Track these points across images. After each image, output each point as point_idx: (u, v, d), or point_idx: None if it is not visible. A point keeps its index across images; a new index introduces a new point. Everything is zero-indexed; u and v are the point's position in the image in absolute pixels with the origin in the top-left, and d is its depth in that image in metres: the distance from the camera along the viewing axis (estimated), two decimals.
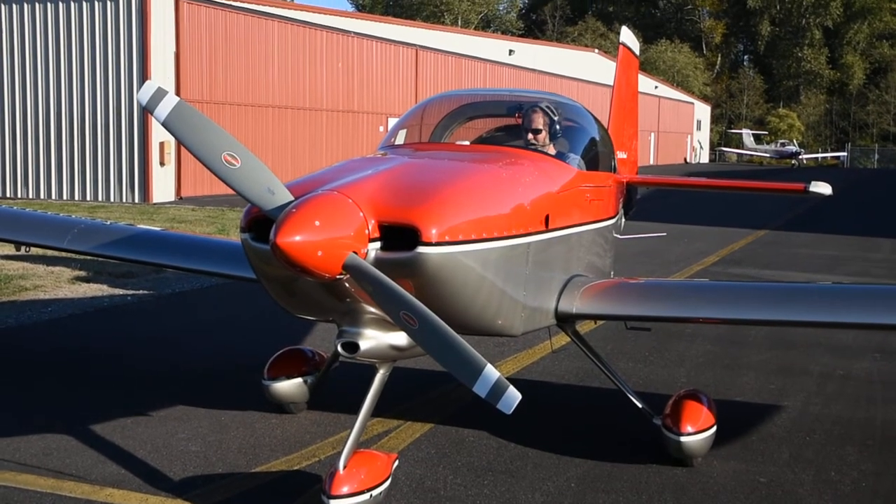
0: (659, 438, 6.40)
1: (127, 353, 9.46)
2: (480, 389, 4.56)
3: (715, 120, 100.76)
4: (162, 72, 28.23)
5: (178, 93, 28.59)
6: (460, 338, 4.64)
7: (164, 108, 4.99)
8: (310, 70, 34.49)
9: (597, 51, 68.46)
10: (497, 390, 4.53)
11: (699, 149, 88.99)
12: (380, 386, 5.66)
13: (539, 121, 7.07)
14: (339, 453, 5.41)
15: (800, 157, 77.45)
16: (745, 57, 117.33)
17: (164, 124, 5.01)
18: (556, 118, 7.14)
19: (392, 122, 35.72)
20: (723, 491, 6.04)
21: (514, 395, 4.53)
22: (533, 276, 5.85)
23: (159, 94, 5.01)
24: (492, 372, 4.55)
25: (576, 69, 59.29)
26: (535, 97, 7.69)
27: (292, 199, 4.82)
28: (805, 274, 15.65)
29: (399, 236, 4.90)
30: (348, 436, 5.47)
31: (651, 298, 6.72)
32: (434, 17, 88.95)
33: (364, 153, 7.03)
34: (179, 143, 5.09)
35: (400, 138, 7.30)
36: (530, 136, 7.05)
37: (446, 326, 4.64)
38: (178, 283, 13.36)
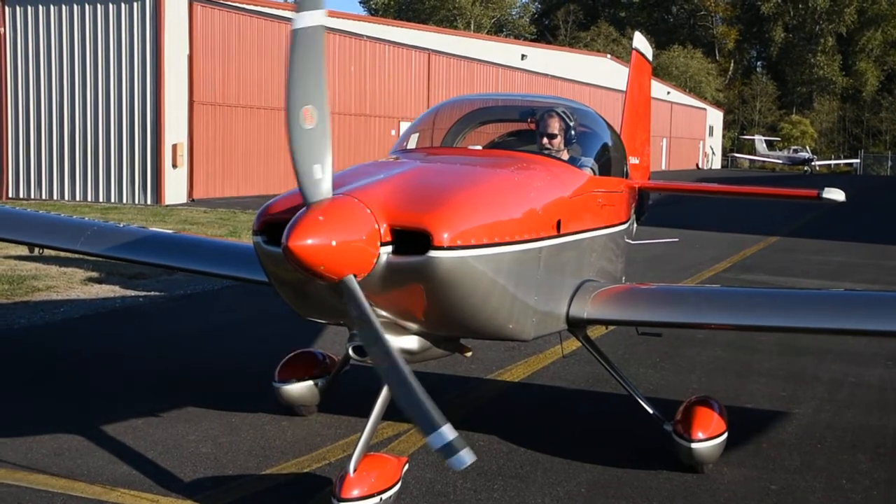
0: (670, 444, 6.39)
1: (138, 354, 9.49)
2: (435, 442, 4.57)
3: (727, 126, 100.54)
4: (175, 74, 28.34)
5: (190, 95, 28.75)
6: (424, 392, 4.70)
7: (304, 20, 4.73)
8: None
9: (609, 56, 68.40)
10: (451, 449, 4.54)
11: (711, 155, 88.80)
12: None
13: (555, 125, 7.07)
14: (350, 456, 5.41)
15: (812, 163, 77.25)
16: (758, 63, 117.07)
17: (293, 31, 4.74)
18: (571, 123, 7.14)
19: (404, 126, 35.74)
20: (733, 498, 6.02)
21: (466, 457, 4.53)
22: (544, 281, 5.85)
23: (312, 2, 4.76)
24: (449, 431, 4.57)
25: (588, 74, 59.26)
26: (547, 102, 7.69)
27: (330, 189, 4.76)
28: (817, 280, 15.60)
29: (411, 241, 4.91)
30: (359, 439, 5.48)
31: (662, 304, 6.70)
32: (447, 21, 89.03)
33: (376, 157, 7.04)
34: (287, 59, 4.80)
35: (412, 142, 7.31)
36: (545, 140, 7.05)
37: (412, 378, 4.70)
38: (190, 285, 13.39)
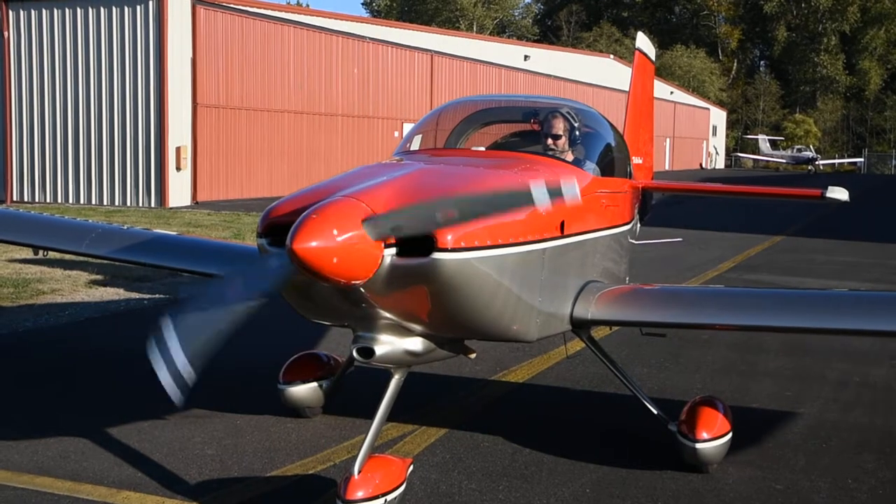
0: (674, 445, 6.39)
1: (143, 356, 9.43)
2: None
3: (731, 125, 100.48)
4: (179, 77, 28.40)
5: (194, 98, 28.81)
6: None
7: (542, 197, 4.91)
8: (325, 75, 34.59)
9: (612, 56, 68.39)
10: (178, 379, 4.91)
11: (715, 154, 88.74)
12: (395, 391, 5.68)
13: (559, 126, 7.07)
14: (355, 458, 5.42)
15: (816, 162, 77.15)
16: (762, 62, 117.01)
17: None
18: (575, 124, 7.15)
19: (407, 127, 35.79)
20: (738, 498, 6.02)
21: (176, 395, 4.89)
22: (548, 282, 5.85)
23: None
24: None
25: (591, 75, 59.27)
26: (550, 103, 7.69)
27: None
28: (822, 280, 15.58)
29: (415, 242, 4.91)
30: (363, 440, 5.49)
31: (666, 304, 6.70)
32: (449, 22, 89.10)
33: (379, 159, 7.04)
34: None
35: (415, 144, 7.31)
36: (550, 141, 7.05)
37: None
38: (194, 287, 13.39)
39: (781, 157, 79.82)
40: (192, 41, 28.83)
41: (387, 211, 4.76)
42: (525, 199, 4.85)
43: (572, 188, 4.86)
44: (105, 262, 10.30)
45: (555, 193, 4.85)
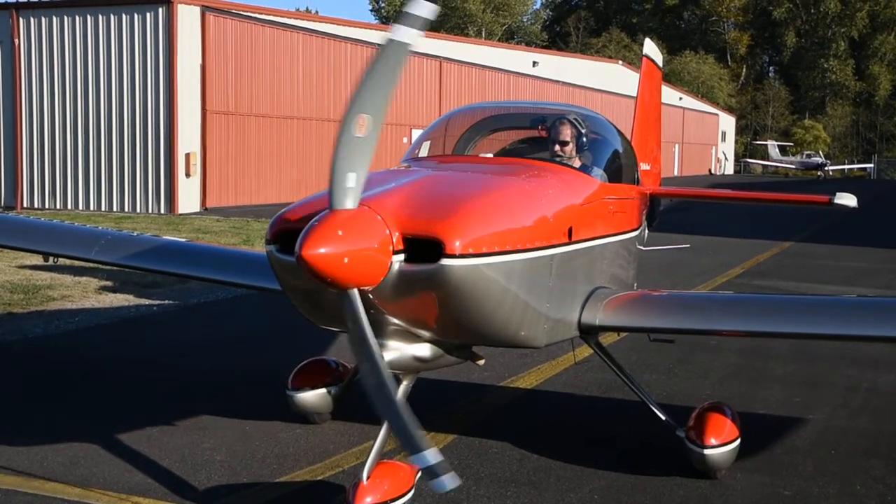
0: (682, 451, 6.39)
1: (152, 363, 9.53)
2: (419, 463, 4.66)
3: (740, 131, 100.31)
4: (188, 83, 28.48)
5: (203, 104, 28.88)
6: (410, 414, 4.72)
7: (400, 34, 4.66)
8: (334, 81, 34.64)
9: (621, 62, 68.38)
10: (434, 472, 4.62)
11: (724, 160, 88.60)
12: (403, 397, 5.69)
13: (567, 133, 7.08)
14: (363, 464, 5.44)
15: (826, 168, 76.95)
16: (771, 68, 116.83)
17: (387, 39, 4.66)
18: (583, 130, 7.16)
19: (416, 133, 35.80)
20: (746, 503, 6.03)
21: (448, 482, 4.64)
22: (556, 288, 5.86)
23: (417, 21, 4.67)
24: (433, 455, 4.63)
25: (600, 80, 59.23)
26: (558, 109, 7.70)
27: (357, 199, 4.74)
28: (830, 286, 15.54)
29: (423, 249, 4.92)
30: (372, 446, 5.51)
31: (674, 311, 6.70)
32: (458, 28, 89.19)
33: (388, 165, 7.04)
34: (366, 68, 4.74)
35: (424, 150, 7.33)
36: (557, 147, 7.06)
37: (401, 400, 4.78)
38: (203, 293, 13.44)
39: (791, 163, 79.63)
40: (201, 48, 28.91)
41: (332, 182, 4.72)
42: (397, 48, 4.65)
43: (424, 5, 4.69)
44: (115, 268, 10.34)
45: (416, 21, 4.62)
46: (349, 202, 4.71)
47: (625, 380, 6.80)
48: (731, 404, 6.75)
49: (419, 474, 5.64)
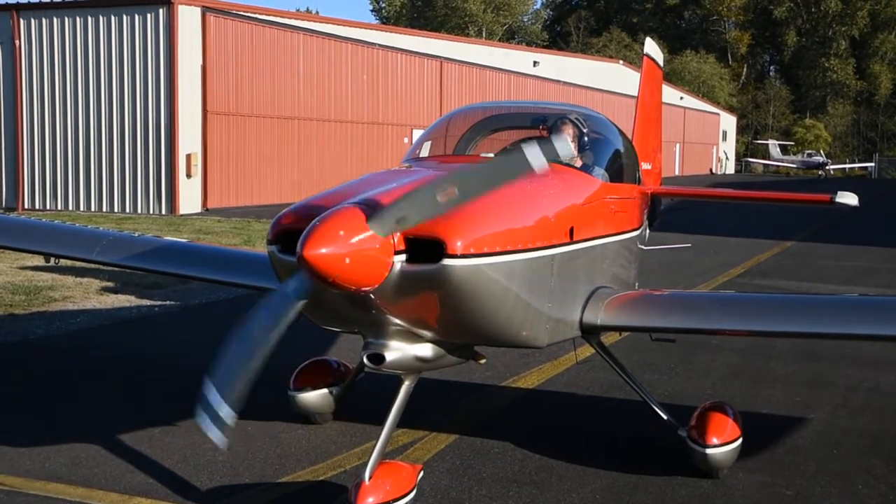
0: (684, 450, 6.39)
1: (154, 363, 9.54)
2: (206, 412, 5.01)
3: (741, 130, 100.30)
4: (189, 84, 28.50)
5: (204, 105, 28.90)
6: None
7: (532, 155, 4.70)
8: (335, 82, 34.66)
9: (621, 62, 68.37)
10: (215, 416, 5.05)
11: (725, 159, 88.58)
12: (405, 397, 5.70)
13: (568, 132, 7.09)
14: (365, 464, 5.45)
15: (827, 167, 76.92)
16: (771, 67, 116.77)
17: (520, 148, 4.76)
18: (584, 130, 7.17)
19: (417, 133, 35.81)
20: (748, 503, 6.02)
21: (218, 438, 4.93)
22: (558, 288, 5.86)
23: (549, 149, 4.81)
24: (228, 414, 5.01)
25: (600, 80, 59.24)
26: (559, 109, 7.71)
27: (389, 230, 4.77)
28: (832, 285, 15.54)
29: (425, 249, 4.92)
30: (374, 446, 5.51)
31: (676, 310, 6.71)
32: (458, 28, 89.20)
33: (389, 165, 7.06)
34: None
35: (425, 150, 7.33)
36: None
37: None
38: (205, 294, 13.45)
39: (792, 162, 79.57)
40: (202, 49, 28.94)
41: (387, 204, 4.76)
42: (521, 163, 4.73)
43: (566, 145, 4.77)
44: (116, 269, 10.34)
45: (549, 152, 4.78)
46: (380, 228, 4.72)
47: (626, 379, 6.81)
48: (732, 404, 6.76)
49: (420, 474, 5.65)
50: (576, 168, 6.93)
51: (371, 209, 4.81)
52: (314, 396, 7.22)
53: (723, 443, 6.26)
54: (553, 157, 4.77)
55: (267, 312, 4.88)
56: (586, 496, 6.05)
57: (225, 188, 30.03)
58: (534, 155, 4.68)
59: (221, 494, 5.98)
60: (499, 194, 5.52)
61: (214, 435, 4.81)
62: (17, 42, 29.56)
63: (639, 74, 11.51)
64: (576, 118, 7.20)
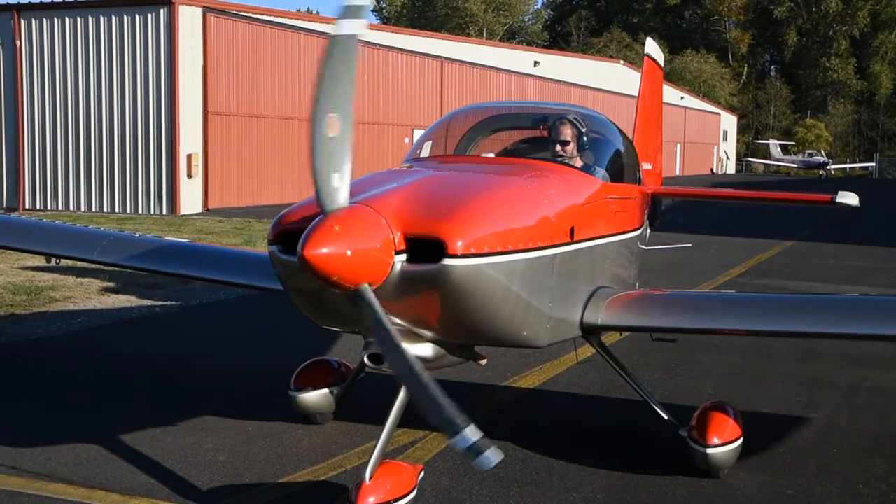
0: (685, 450, 6.39)
1: (155, 363, 9.54)
2: (460, 444, 4.61)
3: (741, 130, 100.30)
4: (190, 84, 28.52)
5: (205, 105, 28.90)
6: (444, 395, 4.71)
7: (344, 28, 4.73)
8: None
9: (622, 62, 68.37)
10: (476, 449, 4.60)
11: (725, 159, 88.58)
12: (406, 397, 5.69)
13: (567, 132, 7.09)
14: (366, 464, 5.45)
15: (827, 167, 76.91)
16: (772, 67, 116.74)
17: (331, 36, 4.76)
18: (583, 130, 7.17)
19: (417, 133, 35.81)
20: (749, 503, 6.02)
21: (492, 456, 4.61)
22: (558, 288, 5.87)
23: (356, 10, 4.77)
24: (473, 432, 4.61)
25: (601, 80, 59.24)
26: (560, 109, 7.71)
27: (346, 198, 4.74)
28: (832, 285, 15.55)
29: (425, 249, 4.93)
30: (374, 446, 5.51)
31: (676, 310, 6.71)
32: (459, 28, 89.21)
33: (390, 165, 7.06)
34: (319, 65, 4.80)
35: (425, 150, 7.34)
36: (558, 147, 7.06)
37: (432, 383, 4.70)
38: (206, 294, 13.45)
39: (792, 162, 79.57)
40: (202, 49, 28.95)
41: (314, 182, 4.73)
42: (344, 41, 4.77)
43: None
44: (117, 269, 10.35)
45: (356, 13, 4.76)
46: (340, 201, 4.71)
47: (627, 379, 6.81)
48: (733, 403, 6.75)
49: (421, 474, 5.65)
50: (576, 168, 6.94)
51: (376, 215, 4.82)
52: (315, 396, 7.22)
53: (723, 442, 6.26)
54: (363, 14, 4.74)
55: (388, 342, 4.78)
56: (587, 496, 6.05)
57: (226, 188, 30.04)
58: (344, 26, 4.73)
59: (222, 495, 5.98)
60: (499, 194, 5.53)
61: (496, 456, 4.66)
62: (17, 42, 29.57)
63: (639, 74, 11.51)
64: (574, 118, 7.20)
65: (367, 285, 4.73)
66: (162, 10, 28.14)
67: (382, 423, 5.62)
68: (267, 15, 31.69)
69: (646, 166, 9.48)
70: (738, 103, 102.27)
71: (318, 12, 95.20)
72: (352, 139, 4.78)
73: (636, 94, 11.42)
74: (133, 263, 8.00)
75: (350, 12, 4.75)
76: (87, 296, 13.24)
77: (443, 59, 41.75)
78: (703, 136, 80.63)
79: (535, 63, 51.19)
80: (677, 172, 70.67)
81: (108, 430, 7.09)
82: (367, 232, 4.75)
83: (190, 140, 28.66)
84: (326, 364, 7.49)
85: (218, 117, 29.58)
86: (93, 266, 12.45)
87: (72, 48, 29.22)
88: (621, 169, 7.61)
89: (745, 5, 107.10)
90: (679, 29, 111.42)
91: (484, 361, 6.10)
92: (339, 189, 4.72)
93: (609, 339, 8.06)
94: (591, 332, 6.48)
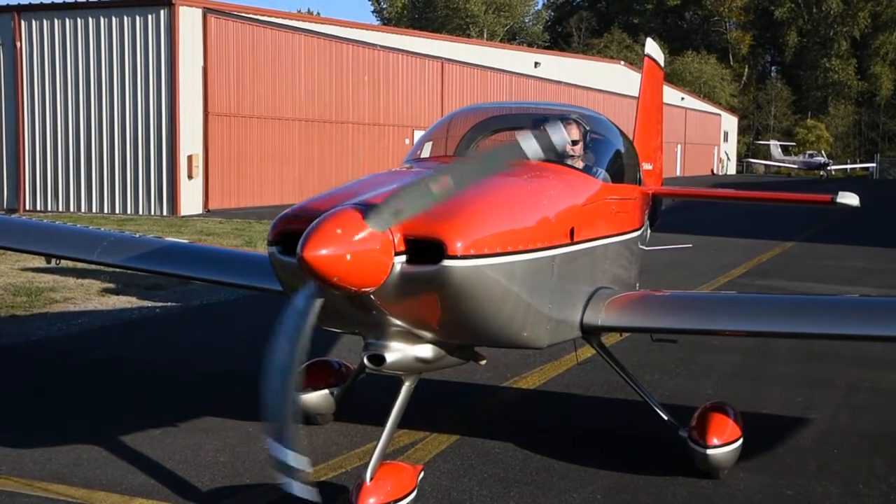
0: (685, 451, 6.39)
1: (155, 364, 9.54)
2: (278, 455, 4.75)
3: (742, 131, 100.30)
4: (190, 85, 28.53)
5: (205, 106, 28.92)
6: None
7: (531, 147, 4.75)
8: (336, 83, 34.68)
9: (623, 62, 68.37)
10: (287, 468, 4.74)
11: (726, 160, 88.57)
12: (406, 397, 5.70)
13: (575, 132, 7.10)
14: (366, 465, 5.45)
15: (828, 168, 76.90)
16: (773, 68, 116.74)
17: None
18: (587, 129, 7.18)
19: (418, 134, 35.80)
20: (749, 503, 6.02)
21: (299, 488, 4.73)
22: (558, 289, 5.87)
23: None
24: (297, 459, 4.73)
25: (602, 81, 59.25)
26: (560, 110, 7.72)
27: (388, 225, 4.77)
28: (833, 286, 15.54)
29: (425, 250, 4.92)
30: (375, 447, 5.52)
31: (677, 311, 6.71)
32: (460, 29, 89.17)
33: (390, 166, 7.06)
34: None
35: (426, 151, 7.34)
36: (567, 147, 7.05)
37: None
38: (206, 295, 13.46)
39: (793, 163, 79.57)
40: (203, 50, 28.97)
41: (382, 200, 4.77)
42: (515, 151, 4.74)
43: (559, 132, 4.76)
44: (117, 270, 10.35)
45: (544, 141, 4.74)
46: (377, 223, 4.72)
47: (627, 380, 6.81)
48: (733, 404, 6.75)
49: (421, 475, 5.65)
50: (576, 168, 6.94)
51: (371, 210, 4.81)
52: (315, 397, 7.22)
53: (723, 443, 6.26)
54: (548, 145, 4.74)
55: (286, 338, 4.84)
56: (587, 496, 6.05)
57: (226, 189, 30.05)
58: (528, 143, 4.70)
59: (223, 495, 5.98)
60: (499, 195, 5.53)
61: (300, 491, 4.73)
62: (18, 43, 29.58)
63: (640, 75, 11.52)
64: (576, 118, 7.21)
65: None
66: (162, 11, 28.16)
67: (383, 423, 5.62)
68: (267, 16, 31.70)
69: (646, 166, 9.48)
70: (738, 104, 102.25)
71: (318, 13, 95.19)
72: (435, 203, 4.80)
73: (636, 94, 11.42)
74: (133, 264, 8.00)
75: (539, 136, 4.74)
76: (88, 297, 13.25)
77: (443, 60, 41.76)
78: (704, 137, 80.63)
79: (536, 64, 51.19)
80: (678, 173, 70.67)
81: (109, 431, 7.09)
82: (367, 233, 4.75)
83: (190, 141, 28.67)
84: (327, 365, 7.49)
85: (218, 118, 29.59)
86: (93, 267, 12.46)
87: (72, 49, 29.23)
88: (621, 169, 7.61)
89: (746, 6, 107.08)
90: (680, 30, 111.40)
91: (484, 362, 6.10)
92: (388, 218, 4.74)
93: (609, 339, 8.06)
94: (591, 333, 6.48)
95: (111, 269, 11.53)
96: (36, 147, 29.83)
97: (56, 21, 29.34)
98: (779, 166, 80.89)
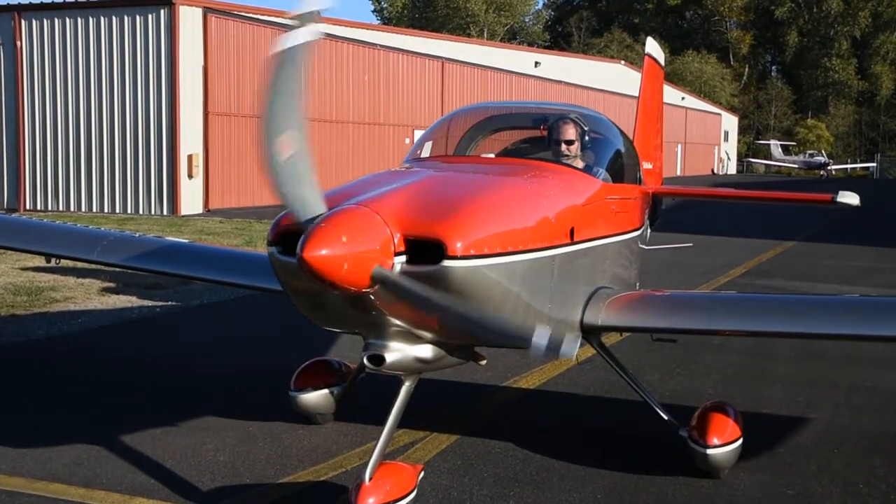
0: (685, 451, 6.39)
1: (155, 364, 9.54)
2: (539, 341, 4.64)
3: (742, 131, 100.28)
4: (190, 85, 28.52)
5: (205, 106, 28.90)
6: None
7: (298, 35, 4.69)
8: (336, 83, 34.67)
9: (623, 62, 68.38)
10: (553, 343, 4.63)
11: (726, 160, 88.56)
12: (406, 397, 5.70)
13: (571, 131, 7.09)
14: (366, 464, 5.44)
15: (828, 167, 76.87)
16: (773, 67, 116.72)
17: (279, 47, 4.68)
18: (586, 129, 7.18)
19: (418, 134, 35.75)
20: (750, 503, 6.02)
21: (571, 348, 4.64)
22: (558, 289, 5.86)
23: (310, 16, 4.71)
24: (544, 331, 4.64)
25: (602, 80, 59.25)
26: (560, 109, 7.71)
27: (323, 209, 4.75)
28: (833, 286, 15.54)
29: (425, 250, 4.91)
30: (374, 447, 5.51)
31: (677, 310, 6.70)
32: (460, 29, 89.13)
33: (390, 166, 7.06)
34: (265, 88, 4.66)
35: (426, 151, 7.33)
36: (563, 146, 7.05)
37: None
38: (206, 294, 13.46)
39: (793, 163, 79.53)
40: (203, 49, 28.97)
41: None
42: (295, 52, 4.69)
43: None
44: (117, 270, 10.35)
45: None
46: (317, 209, 4.73)
47: (627, 380, 6.81)
48: (733, 404, 6.75)
49: (421, 474, 5.65)
50: (576, 168, 6.94)
51: (376, 216, 4.81)
52: (315, 397, 7.22)
53: (724, 443, 6.26)
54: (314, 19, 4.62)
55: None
56: (587, 496, 6.05)
57: (226, 189, 30.05)
58: (293, 37, 4.63)
59: (223, 495, 5.98)
60: (499, 195, 5.53)
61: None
62: (18, 43, 29.59)
63: (640, 74, 11.51)
64: (576, 118, 7.20)
65: (378, 266, 4.73)
66: (162, 11, 28.16)
67: (382, 423, 5.62)
68: (267, 15, 31.69)
69: (646, 166, 9.47)
70: (739, 104, 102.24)
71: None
72: (309, 147, 4.72)
73: (636, 94, 11.42)
74: (133, 264, 8.00)
75: (303, 18, 4.66)
76: (88, 296, 13.25)
77: (443, 60, 41.76)
78: (704, 137, 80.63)
79: (536, 63, 51.19)
80: (678, 173, 70.65)
81: (109, 430, 7.09)
82: (367, 233, 4.74)
83: (190, 140, 28.67)
84: (327, 364, 7.49)
85: (218, 118, 29.59)
86: (93, 266, 12.46)
87: (72, 48, 29.23)
88: (621, 169, 7.60)
89: (746, 6, 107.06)
90: (680, 29, 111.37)
91: (484, 362, 6.09)
92: (314, 200, 4.74)
93: (609, 339, 8.07)
94: (591, 333, 6.48)
95: (111, 269, 11.52)
96: (36, 146, 29.84)
97: (56, 20, 29.35)
98: (779, 166, 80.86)
